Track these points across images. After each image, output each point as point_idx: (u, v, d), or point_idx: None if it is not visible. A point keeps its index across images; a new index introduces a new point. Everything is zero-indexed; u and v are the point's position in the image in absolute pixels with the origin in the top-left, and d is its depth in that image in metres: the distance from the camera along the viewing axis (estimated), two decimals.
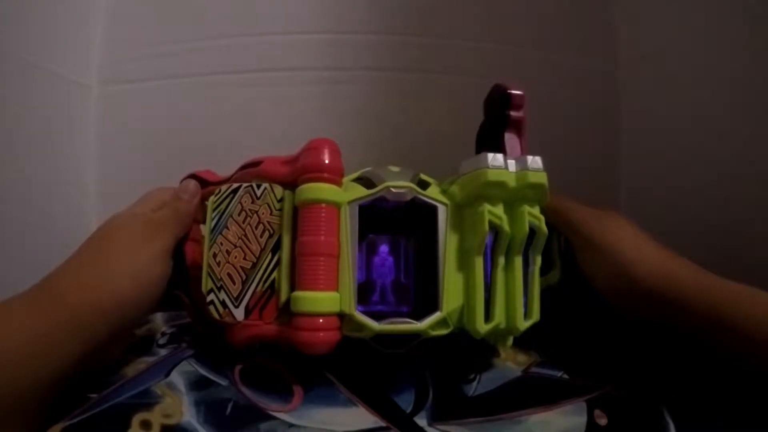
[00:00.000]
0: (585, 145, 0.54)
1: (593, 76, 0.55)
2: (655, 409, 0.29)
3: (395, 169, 0.31)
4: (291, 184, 0.30)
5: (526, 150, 0.32)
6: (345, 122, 0.53)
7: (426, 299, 0.30)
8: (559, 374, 0.33)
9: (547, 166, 0.30)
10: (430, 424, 0.28)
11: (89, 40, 0.52)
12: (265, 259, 0.30)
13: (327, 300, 0.28)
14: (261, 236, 0.30)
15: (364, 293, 0.30)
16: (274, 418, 0.27)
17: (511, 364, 0.34)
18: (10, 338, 0.23)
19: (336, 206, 0.29)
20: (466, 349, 0.32)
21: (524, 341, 0.31)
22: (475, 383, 0.31)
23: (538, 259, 0.31)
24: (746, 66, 0.41)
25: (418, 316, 0.29)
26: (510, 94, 0.32)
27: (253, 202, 0.31)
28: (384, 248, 0.31)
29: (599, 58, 0.56)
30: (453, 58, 0.54)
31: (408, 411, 0.29)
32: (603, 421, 0.28)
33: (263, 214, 0.30)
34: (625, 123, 0.55)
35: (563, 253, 0.35)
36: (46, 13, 0.46)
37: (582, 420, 0.28)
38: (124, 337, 0.31)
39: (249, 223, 0.30)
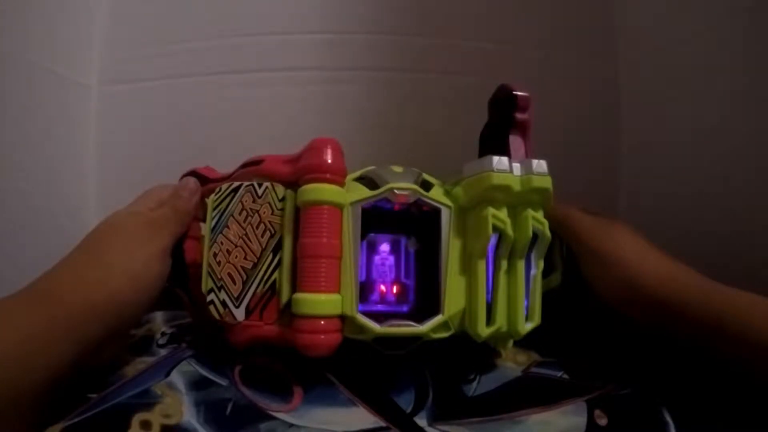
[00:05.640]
0: (585, 145, 0.54)
1: (593, 76, 0.55)
2: (655, 409, 0.29)
3: (398, 169, 0.31)
4: (293, 184, 0.30)
5: (531, 152, 0.32)
6: (345, 122, 0.53)
7: (427, 300, 0.30)
8: (559, 374, 0.33)
9: (548, 167, 0.30)
10: (430, 424, 0.28)
11: (89, 40, 0.52)
12: (266, 260, 0.30)
13: (328, 302, 0.28)
14: (262, 236, 0.30)
15: (365, 292, 0.31)
16: (274, 418, 0.27)
17: (511, 364, 0.34)
18: (5, 337, 0.23)
19: (338, 207, 0.29)
20: (467, 350, 0.32)
21: (524, 341, 0.31)
22: (475, 383, 0.31)
23: (541, 263, 0.31)
24: (746, 66, 0.41)
25: (419, 317, 0.29)
26: (515, 95, 0.31)
27: (254, 202, 0.31)
28: (385, 247, 0.31)
29: (599, 58, 0.56)
30: (453, 58, 0.54)
31: (408, 411, 0.29)
32: (603, 421, 0.28)
33: (264, 213, 0.30)
34: (625, 123, 0.55)
35: (565, 255, 0.35)
36: (47, 13, 0.46)
37: (582, 420, 0.28)
38: (121, 337, 0.31)
39: (250, 223, 0.30)
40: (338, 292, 0.28)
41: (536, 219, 0.30)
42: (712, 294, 0.28)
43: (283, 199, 0.30)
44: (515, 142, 0.32)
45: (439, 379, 0.31)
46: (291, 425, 0.27)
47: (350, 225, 0.29)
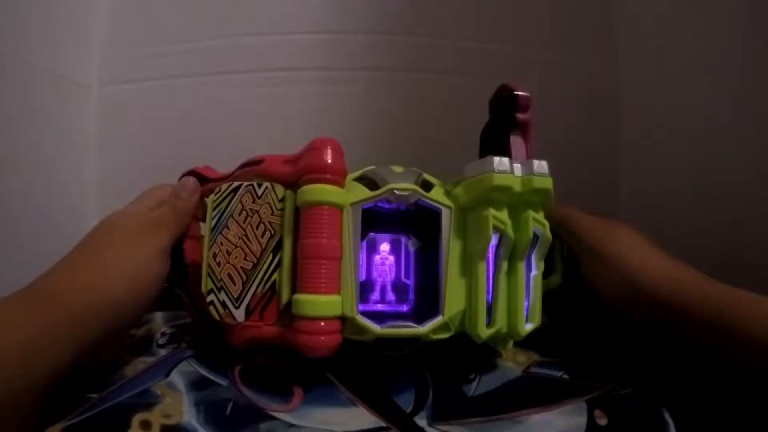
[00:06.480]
0: (585, 145, 0.54)
1: (593, 76, 0.55)
2: (655, 409, 0.29)
3: (398, 169, 0.31)
4: (293, 184, 0.30)
5: (531, 152, 0.32)
6: (345, 122, 0.53)
7: (427, 300, 0.30)
8: (559, 374, 0.33)
9: (548, 168, 0.30)
10: (430, 424, 0.28)
11: (89, 40, 0.52)
12: (266, 260, 0.30)
13: (329, 303, 0.28)
14: (262, 236, 0.30)
15: (364, 292, 0.30)
16: (274, 418, 0.27)
17: (511, 364, 0.34)
18: (3, 338, 0.23)
19: (338, 208, 0.29)
20: (467, 350, 0.32)
21: (524, 341, 0.31)
22: (475, 383, 0.31)
23: (541, 265, 0.31)
24: (746, 66, 0.41)
25: (419, 317, 0.29)
26: (516, 95, 0.31)
27: (254, 202, 0.31)
28: (385, 247, 0.31)
29: (599, 58, 0.56)
30: (453, 58, 0.54)
31: (408, 411, 0.29)
32: (603, 421, 0.28)
33: (264, 214, 0.30)
34: (625, 123, 0.55)
35: (565, 255, 0.35)
36: (46, 13, 0.46)
37: (582, 420, 0.28)
38: (120, 337, 0.31)
39: (250, 223, 0.30)
40: (338, 293, 0.28)
41: (537, 220, 0.30)
42: (713, 294, 0.28)
43: (282, 200, 0.30)
44: (516, 142, 0.32)
45: (439, 379, 0.31)
46: (291, 425, 0.27)
47: (350, 226, 0.29)
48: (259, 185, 0.31)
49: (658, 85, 0.51)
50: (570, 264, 0.35)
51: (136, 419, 0.26)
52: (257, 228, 0.30)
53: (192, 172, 0.34)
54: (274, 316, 0.29)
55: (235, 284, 0.30)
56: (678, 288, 0.29)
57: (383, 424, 0.28)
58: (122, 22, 0.53)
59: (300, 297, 0.28)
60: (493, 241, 0.29)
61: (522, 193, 0.30)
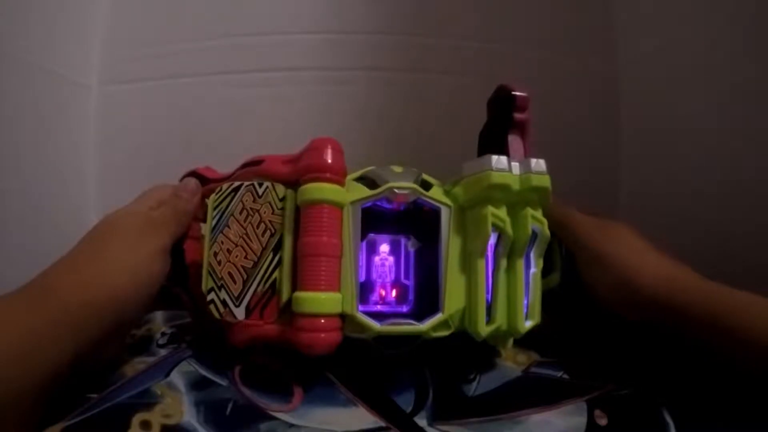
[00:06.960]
0: (585, 145, 0.54)
1: (593, 76, 0.56)
2: (655, 409, 0.29)
3: (398, 169, 0.31)
4: (293, 184, 0.30)
5: (529, 152, 0.32)
6: (345, 122, 0.53)
7: (427, 300, 0.30)
8: (559, 374, 0.33)
9: (548, 167, 0.30)
10: (430, 424, 0.28)
11: (89, 40, 0.52)
12: (266, 259, 0.30)
13: (329, 301, 0.28)
14: (262, 235, 0.30)
15: (364, 293, 0.30)
16: (274, 418, 0.27)
17: (511, 364, 0.34)
18: (3, 336, 0.23)
19: (338, 207, 0.29)
20: (467, 349, 0.32)
21: (524, 341, 0.31)
22: (475, 383, 0.31)
23: (540, 262, 0.31)
24: (746, 65, 0.41)
25: (419, 317, 0.29)
26: (514, 95, 0.32)
27: (254, 201, 0.31)
28: (385, 248, 0.31)
29: (599, 58, 0.56)
30: (453, 58, 0.54)
31: (408, 411, 0.29)
32: (603, 421, 0.28)
33: (265, 213, 0.30)
34: (625, 123, 0.55)
35: (564, 255, 0.35)
36: (46, 13, 0.46)
37: (582, 420, 0.28)
38: (120, 336, 0.31)
39: (250, 222, 0.30)
40: (338, 290, 0.28)
41: (535, 218, 0.30)
42: (711, 294, 0.28)
43: (283, 199, 0.30)
44: (514, 141, 0.32)
45: (439, 379, 0.31)
46: (291, 425, 0.27)
47: (350, 224, 0.29)
48: (260, 184, 0.31)
49: (658, 85, 0.51)
50: (568, 265, 0.35)
51: (136, 419, 0.26)
52: (258, 227, 0.30)
53: (193, 173, 0.34)
54: (274, 314, 0.29)
55: (235, 283, 0.30)
56: (676, 289, 0.29)
57: (383, 424, 0.28)
58: (122, 22, 0.53)
59: (300, 294, 0.28)
60: (492, 239, 0.29)
61: (520, 192, 0.30)
